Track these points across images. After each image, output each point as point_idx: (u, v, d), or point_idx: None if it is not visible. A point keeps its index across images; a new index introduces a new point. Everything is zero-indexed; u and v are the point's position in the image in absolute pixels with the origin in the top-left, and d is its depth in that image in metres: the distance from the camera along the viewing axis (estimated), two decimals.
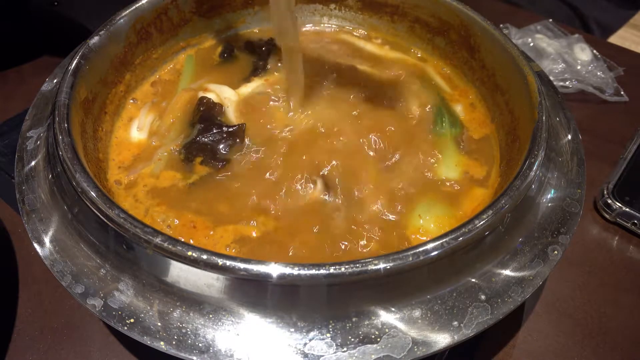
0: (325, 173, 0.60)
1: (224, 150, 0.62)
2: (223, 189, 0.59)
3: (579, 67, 0.97)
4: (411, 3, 0.78)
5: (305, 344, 0.42)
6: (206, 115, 0.65)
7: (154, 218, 0.56)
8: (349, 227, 0.56)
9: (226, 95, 0.70)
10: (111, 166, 0.62)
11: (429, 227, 0.56)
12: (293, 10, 0.60)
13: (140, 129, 0.66)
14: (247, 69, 0.75)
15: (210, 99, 0.68)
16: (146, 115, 0.68)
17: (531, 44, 1.01)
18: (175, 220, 0.56)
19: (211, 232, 0.55)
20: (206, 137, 0.62)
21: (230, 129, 0.63)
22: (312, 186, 0.59)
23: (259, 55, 0.77)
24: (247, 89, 0.72)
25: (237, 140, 0.63)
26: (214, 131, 0.62)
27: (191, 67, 0.76)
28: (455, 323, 0.43)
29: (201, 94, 0.69)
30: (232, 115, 0.67)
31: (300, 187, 0.58)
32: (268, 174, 0.60)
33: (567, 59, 0.98)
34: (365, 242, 0.55)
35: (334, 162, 0.61)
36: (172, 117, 0.67)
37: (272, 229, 0.55)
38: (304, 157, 0.61)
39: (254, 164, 0.61)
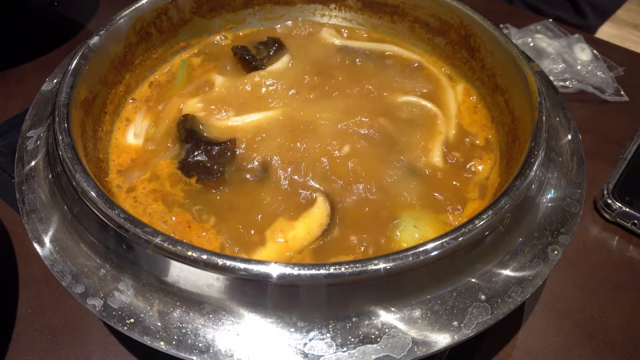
0: (323, 188, 0.59)
1: (217, 167, 0.60)
2: (220, 204, 0.58)
3: (579, 67, 0.97)
4: (411, 3, 0.78)
5: (305, 344, 0.42)
6: (191, 132, 0.63)
7: (151, 216, 0.57)
8: (348, 241, 0.55)
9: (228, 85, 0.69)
10: (111, 167, 0.62)
11: (427, 234, 0.56)
12: None
13: (136, 135, 0.66)
14: (246, 69, 0.75)
15: (193, 115, 0.65)
16: (142, 120, 0.68)
17: (531, 44, 1.01)
18: (173, 217, 0.56)
19: (203, 233, 0.55)
20: (196, 157, 0.60)
21: (219, 146, 0.61)
22: (311, 199, 0.58)
23: (259, 54, 0.77)
24: (246, 88, 0.71)
25: (228, 154, 0.61)
26: (202, 149, 0.60)
27: (184, 71, 0.75)
28: (455, 323, 0.43)
29: (186, 108, 0.67)
30: (219, 127, 0.65)
31: (295, 206, 0.57)
32: (263, 190, 0.59)
33: (567, 59, 0.98)
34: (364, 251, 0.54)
35: (329, 170, 0.60)
36: (167, 122, 0.66)
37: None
38: (300, 171, 0.60)
39: (249, 180, 0.60)
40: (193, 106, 0.68)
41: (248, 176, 0.60)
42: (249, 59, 0.74)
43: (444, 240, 0.43)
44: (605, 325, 0.64)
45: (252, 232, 0.55)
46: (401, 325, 0.43)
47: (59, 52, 1.01)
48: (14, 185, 0.53)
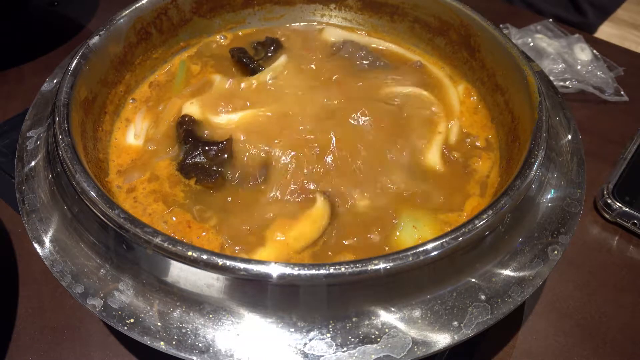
0: (321, 188, 0.59)
1: (215, 167, 0.60)
2: (220, 204, 0.58)
3: (579, 67, 0.97)
4: (411, 3, 0.78)
5: (305, 344, 0.42)
6: (189, 133, 0.63)
7: (151, 216, 0.57)
8: (348, 241, 0.55)
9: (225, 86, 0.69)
10: (111, 168, 0.62)
11: (426, 234, 0.56)
12: None
13: (137, 136, 0.66)
14: (244, 71, 0.75)
15: (191, 117, 0.65)
16: (142, 121, 0.68)
17: (531, 44, 1.01)
18: (173, 217, 0.56)
19: (203, 233, 0.55)
20: (194, 158, 0.60)
21: (216, 147, 0.60)
22: (310, 198, 0.58)
23: (258, 54, 0.77)
24: (245, 88, 0.71)
25: (226, 155, 0.61)
26: (199, 150, 0.60)
27: (184, 71, 0.75)
28: (455, 323, 0.43)
29: (184, 109, 0.67)
30: (218, 128, 0.65)
31: (295, 206, 0.57)
32: (262, 190, 0.59)
33: (567, 59, 0.98)
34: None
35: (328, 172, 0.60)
36: (167, 123, 0.66)
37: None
38: (300, 171, 0.60)
39: (248, 180, 0.60)
40: (192, 106, 0.67)
41: (247, 176, 0.60)
42: (246, 62, 0.74)
43: (444, 240, 0.43)
44: (605, 325, 0.64)
45: (252, 232, 0.55)
46: (401, 325, 0.43)
47: (59, 52, 1.01)
48: (14, 185, 0.53)
